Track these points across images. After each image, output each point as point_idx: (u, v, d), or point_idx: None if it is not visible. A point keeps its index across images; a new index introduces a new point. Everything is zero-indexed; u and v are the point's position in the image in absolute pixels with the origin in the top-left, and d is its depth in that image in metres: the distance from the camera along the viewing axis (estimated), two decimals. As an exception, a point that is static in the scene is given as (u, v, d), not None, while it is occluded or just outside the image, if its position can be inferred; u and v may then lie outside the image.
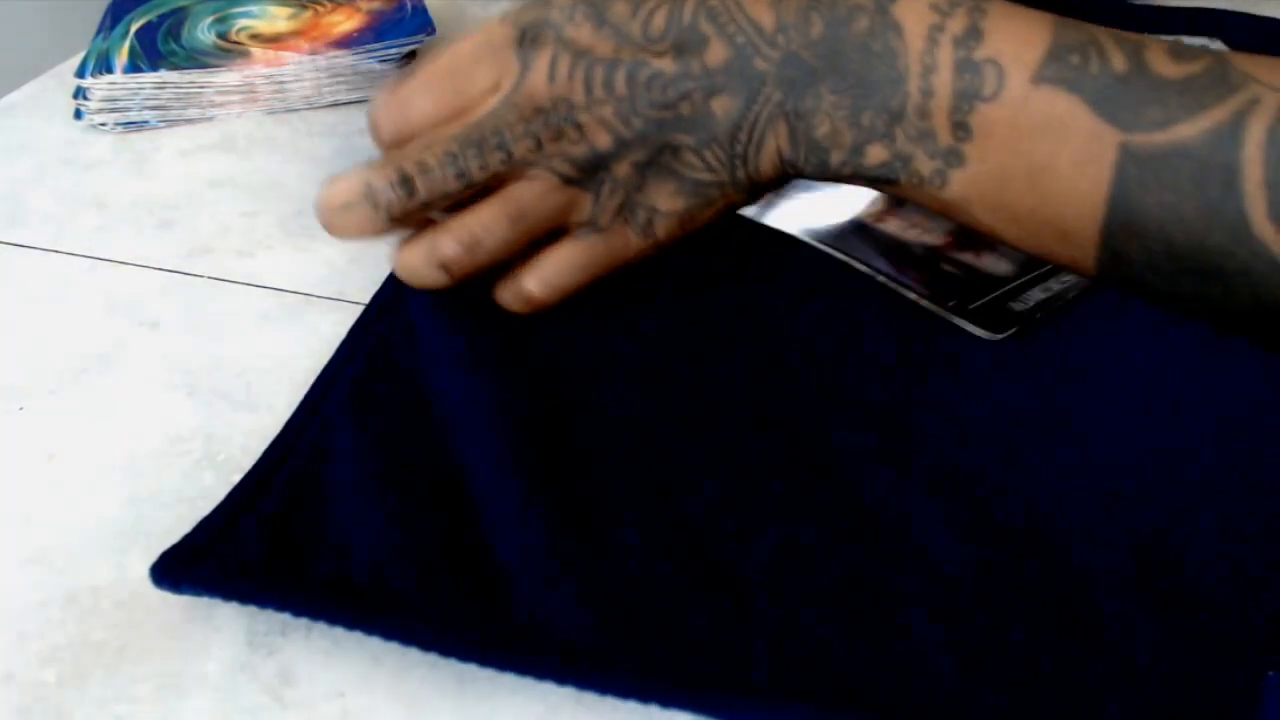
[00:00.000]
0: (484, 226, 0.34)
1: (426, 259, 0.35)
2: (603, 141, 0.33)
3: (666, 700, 0.25)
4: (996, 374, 0.34)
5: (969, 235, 0.39)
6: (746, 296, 0.38)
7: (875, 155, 0.32)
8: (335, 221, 0.35)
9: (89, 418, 0.34)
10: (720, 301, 0.38)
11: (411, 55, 0.52)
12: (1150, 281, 0.29)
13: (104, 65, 0.49)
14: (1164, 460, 0.31)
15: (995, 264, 0.39)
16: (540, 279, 0.36)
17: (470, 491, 0.30)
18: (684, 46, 0.32)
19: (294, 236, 0.43)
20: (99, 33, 0.52)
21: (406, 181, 0.33)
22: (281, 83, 0.51)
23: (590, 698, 0.26)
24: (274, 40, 0.52)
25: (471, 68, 0.34)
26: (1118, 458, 0.31)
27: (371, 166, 0.34)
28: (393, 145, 0.35)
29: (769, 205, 0.42)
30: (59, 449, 0.33)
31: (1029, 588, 0.28)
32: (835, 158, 0.32)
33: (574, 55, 0.33)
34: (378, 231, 0.35)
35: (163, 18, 0.53)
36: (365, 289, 0.39)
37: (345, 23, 0.52)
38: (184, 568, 0.27)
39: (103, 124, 0.49)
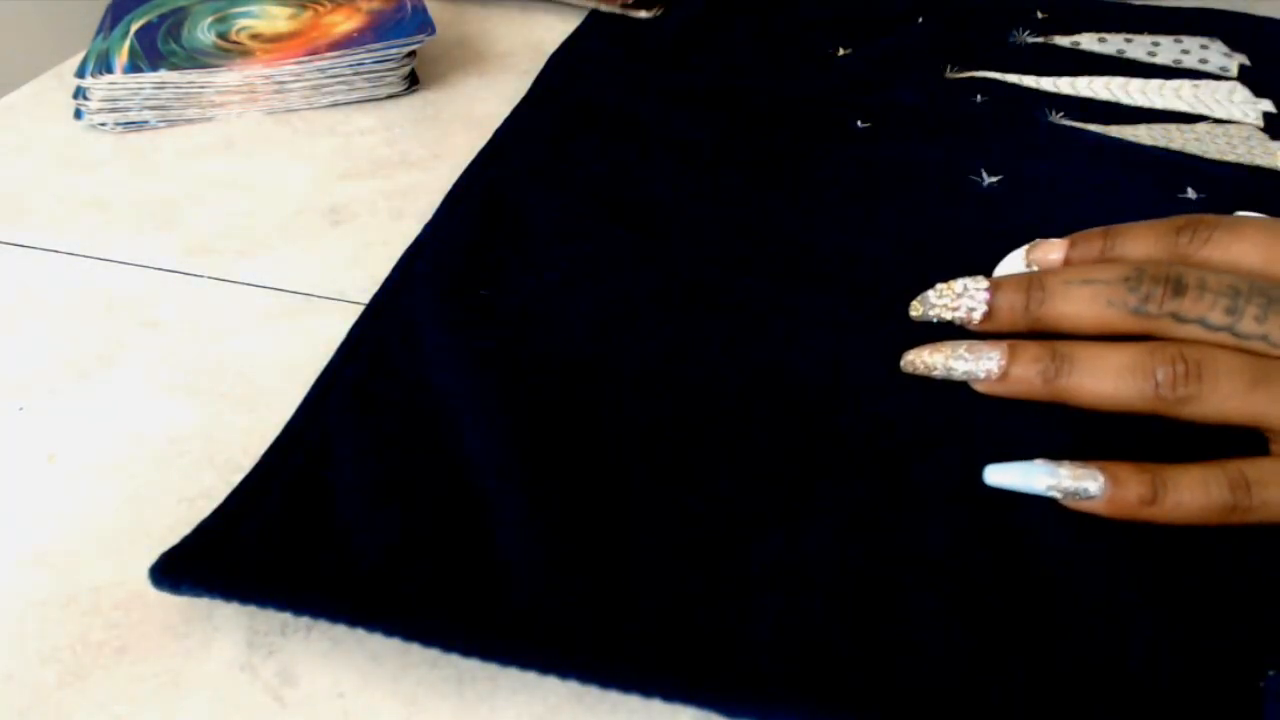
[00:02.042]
0: (1191, 489, 0.28)
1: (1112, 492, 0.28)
2: None
3: (668, 694, 0.25)
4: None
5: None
6: (749, 298, 0.38)
7: None
8: (1065, 290, 0.30)
9: (89, 418, 0.34)
10: (723, 302, 0.38)
11: (411, 55, 0.52)
12: None
13: (104, 65, 0.49)
14: (1167, 458, 0.31)
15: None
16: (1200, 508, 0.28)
17: (472, 489, 0.30)
18: None
19: (294, 236, 0.43)
20: (99, 33, 0.52)
21: (1179, 283, 0.29)
22: (281, 83, 0.50)
23: (591, 697, 0.26)
24: (274, 40, 0.52)
25: None
26: (1121, 455, 0.31)
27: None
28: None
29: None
30: (59, 449, 0.33)
31: (1032, 587, 0.28)
32: None
33: None
34: (1100, 321, 0.30)
35: (163, 18, 0.53)
36: (365, 289, 0.39)
37: (345, 23, 0.52)
38: (184, 568, 0.27)
39: (103, 124, 0.49)
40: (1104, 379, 0.29)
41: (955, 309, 0.32)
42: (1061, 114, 0.49)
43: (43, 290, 0.40)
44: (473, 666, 0.27)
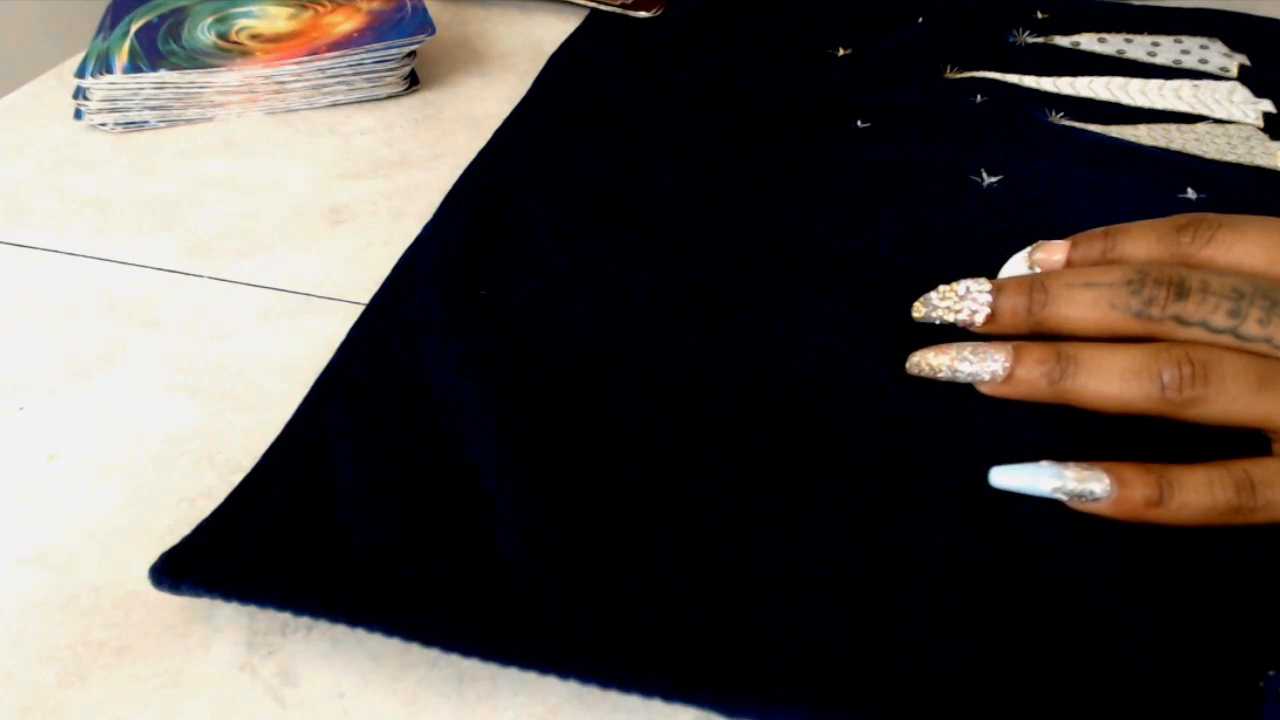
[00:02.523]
0: (1196, 490, 0.28)
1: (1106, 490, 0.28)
2: None
3: (668, 694, 0.25)
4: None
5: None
6: (749, 298, 0.38)
7: None
8: (1068, 293, 0.30)
9: (89, 418, 0.34)
10: (723, 302, 0.38)
11: (412, 55, 0.52)
12: None
13: (104, 65, 0.49)
14: (1164, 459, 0.31)
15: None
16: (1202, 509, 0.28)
17: (472, 490, 0.30)
18: None
19: (294, 236, 0.43)
20: (99, 33, 0.52)
21: (1181, 286, 0.29)
22: (281, 83, 0.50)
23: (591, 697, 0.26)
24: (274, 40, 0.52)
25: None
26: (1118, 456, 0.31)
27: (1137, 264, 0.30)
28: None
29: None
30: (59, 449, 0.33)
31: (1030, 586, 0.28)
32: None
33: None
34: (1103, 324, 0.30)
35: (163, 18, 0.53)
36: (365, 289, 0.39)
37: (345, 23, 0.52)
38: (184, 568, 0.27)
39: (103, 124, 0.49)
40: (1109, 381, 0.29)
41: (958, 311, 0.32)
42: (1061, 114, 0.49)
43: (43, 290, 0.40)
44: (473, 666, 0.27)
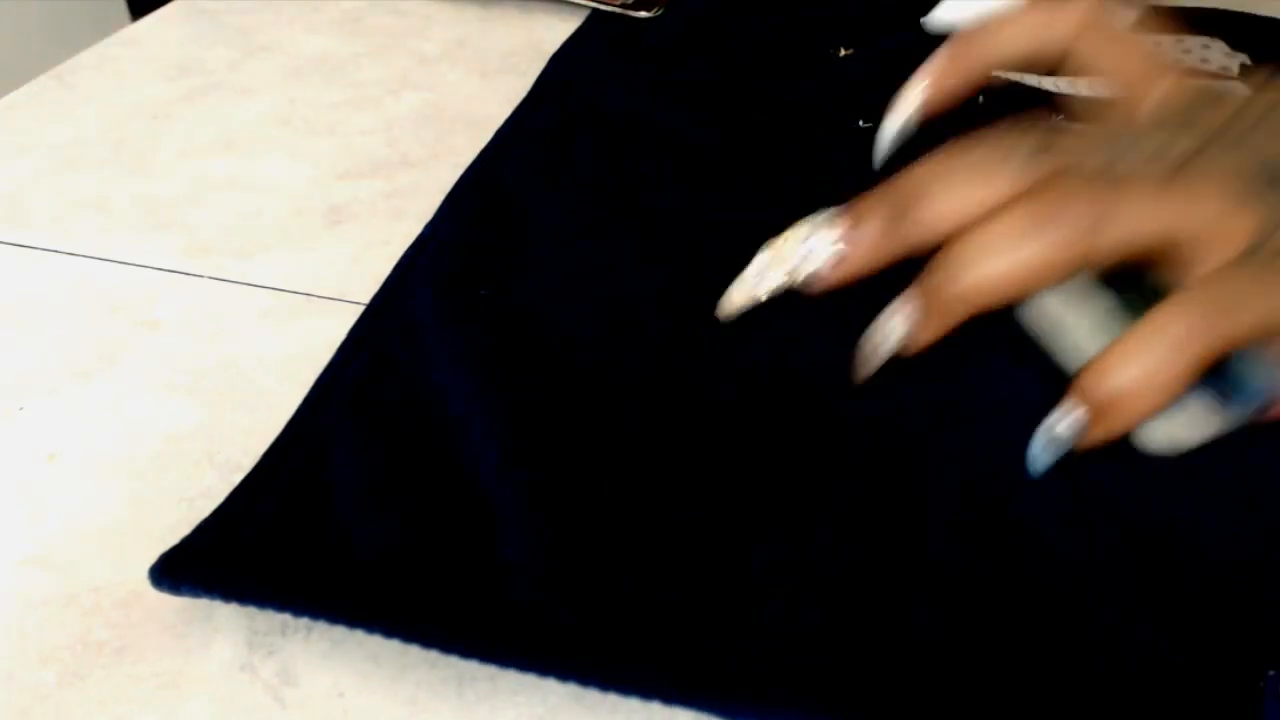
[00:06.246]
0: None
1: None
2: None
3: (668, 695, 0.25)
4: (1002, 373, 0.34)
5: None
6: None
7: None
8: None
9: (89, 418, 0.34)
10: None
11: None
12: None
13: None
14: (1164, 457, 0.31)
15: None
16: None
17: (472, 490, 0.30)
18: None
19: (294, 236, 0.43)
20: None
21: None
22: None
23: (591, 698, 0.26)
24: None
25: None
26: (1118, 454, 0.31)
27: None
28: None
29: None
30: (59, 449, 0.33)
31: (1030, 588, 0.28)
32: None
33: None
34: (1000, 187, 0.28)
35: None
36: (365, 289, 0.39)
37: None
38: (184, 568, 0.27)
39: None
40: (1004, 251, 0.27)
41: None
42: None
43: (43, 290, 0.40)
44: (473, 667, 0.27)
